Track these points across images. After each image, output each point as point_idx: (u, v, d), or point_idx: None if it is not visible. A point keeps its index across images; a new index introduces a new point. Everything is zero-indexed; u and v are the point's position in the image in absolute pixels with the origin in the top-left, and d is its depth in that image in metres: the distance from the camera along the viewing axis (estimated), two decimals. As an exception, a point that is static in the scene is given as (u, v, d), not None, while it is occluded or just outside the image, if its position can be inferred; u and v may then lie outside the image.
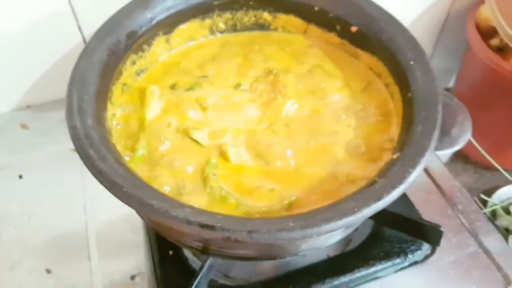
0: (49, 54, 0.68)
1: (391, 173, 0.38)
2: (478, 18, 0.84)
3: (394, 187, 0.36)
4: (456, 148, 0.87)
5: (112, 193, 0.36)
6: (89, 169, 0.37)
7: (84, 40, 0.67)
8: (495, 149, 0.90)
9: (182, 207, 0.35)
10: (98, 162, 0.37)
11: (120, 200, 0.35)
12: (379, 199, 0.35)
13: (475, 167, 0.98)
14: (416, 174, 0.37)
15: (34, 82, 0.70)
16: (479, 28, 0.83)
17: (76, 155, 0.63)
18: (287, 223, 0.34)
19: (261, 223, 0.35)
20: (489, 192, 0.92)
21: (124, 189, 0.35)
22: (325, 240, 0.43)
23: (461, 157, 0.98)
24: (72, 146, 0.64)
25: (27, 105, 0.72)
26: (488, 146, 0.90)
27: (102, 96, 0.45)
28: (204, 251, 0.43)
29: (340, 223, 0.34)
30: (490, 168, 0.92)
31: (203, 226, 0.34)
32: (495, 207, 0.89)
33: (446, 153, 0.89)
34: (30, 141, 0.67)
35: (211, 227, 0.34)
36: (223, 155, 0.46)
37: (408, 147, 0.40)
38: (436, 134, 0.40)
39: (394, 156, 0.40)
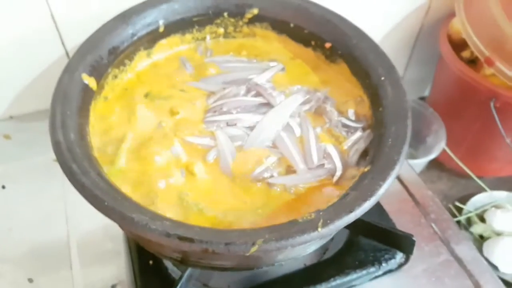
0: (32, 66, 0.68)
1: (362, 186, 0.40)
2: (450, 31, 0.87)
3: (365, 200, 0.38)
4: (431, 156, 0.90)
5: (94, 207, 0.37)
6: (71, 183, 0.38)
7: (67, 53, 0.68)
8: (468, 158, 0.94)
9: (161, 219, 0.37)
10: (80, 177, 0.38)
11: (102, 214, 0.37)
12: (350, 211, 0.37)
13: (450, 174, 1.02)
14: (386, 187, 0.39)
15: (17, 93, 0.71)
16: (451, 40, 0.87)
17: (59, 166, 0.65)
18: (263, 234, 0.36)
19: (237, 235, 0.36)
20: (464, 200, 0.95)
21: (106, 203, 0.36)
22: (300, 251, 0.45)
23: (436, 165, 1.02)
24: (54, 156, 0.66)
25: (10, 115, 0.73)
26: (462, 154, 0.93)
27: (85, 110, 0.46)
28: (183, 262, 0.44)
29: (314, 234, 0.36)
30: (464, 176, 0.96)
31: (181, 238, 0.35)
32: (469, 214, 0.92)
33: (421, 162, 0.93)
34: (13, 151, 0.68)
35: (190, 240, 0.35)
36: (190, 169, 0.47)
37: (378, 161, 0.42)
38: (405, 148, 0.42)
39: (366, 169, 0.42)
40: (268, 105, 0.52)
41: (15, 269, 0.55)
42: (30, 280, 0.54)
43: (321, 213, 0.38)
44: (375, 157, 0.43)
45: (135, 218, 0.36)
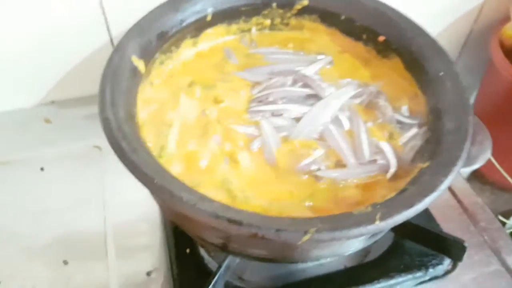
0: (76, 51, 0.68)
1: (422, 181, 0.38)
2: (503, 36, 0.84)
3: (426, 195, 0.36)
4: (476, 166, 0.86)
5: (143, 184, 0.36)
6: (121, 160, 0.37)
7: (111, 39, 0.68)
8: (515, 170, 0.89)
9: (210, 201, 0.35)
10: (130, 154, 0.37)
11: (150, 192, 0.36)
12: (411, 206, 0.35)
13: (493, 187, 0.97)
14: (448, 183, 0.37)
15: (59, 78, 0.71)
16: (502, 46, 0.83)
17: (98, 152, 0.65)
18: (315, 223, 0.34)
19: (289, 222, 0.35)
20: (507, 214, 0.90)
21: (155, 181, 0.35)
22: (348, 247, 0.43)
23: (478, 177, 0.97)
24: (94, 142, 0.66)
25: (51, 100, 0.73)
26: (508, 166, 0.89)
27: (133, 93, 0.46)
28: (224, 248, 0.42)
29: (371, 227, 0.34)
30: (508, 189, 0.91)
31: (231, 221, 0.34)
32: (513, 229, 0.88)
33: (464, 171, 0.88)
34: (53, 136, 0.68)
35: (239, 223, 0.34)
36: (234, 157, 0.46)
37: (439, 157, 0.40)
38: (467, 144, 0.40)
39: (424, 166, 0.40)
40: (316, 97, 0.51)
41: (51, 250, 0.54)
42: (65, 262, 0.53)
43: (378, 207, 0.36)
44: (434, 153, 0.41)
45: (184, 198, 0.35)
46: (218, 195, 0.41)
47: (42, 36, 0.65)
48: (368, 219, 0.34)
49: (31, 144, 0.67)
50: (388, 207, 0.36)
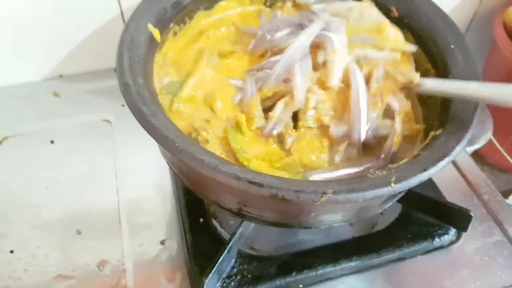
0: (85, 25, 0.68)
1: (435, 147, 0.39)
2: (506, 19, 0.85)
3: (439, 160, 0.37)
4: (478, 145, 0.88)
5: (165, 148, 0.36)
6: (142, 124, 0.37)
7: (122, 13, 0.68)
8: (514, 151, 0.91)
9: (230, 164, 0.36)
10: (151, 118, 0.37)
11: (172, 154, 0.36)
12: (424, 170, 0.36)
13: (491, 168, 0.99)
14: (460, 148, 0.38)
15: (67, 52, 0.71)
16: (506, 29, 0.84)
17: (107, 125, 0.66)
18: (332, 186, 0.35)
19: (307, 184, 0.36)
20: (505, 194, 0.92)
21: (177, 144, 0.36)
22: (361, 212, 0.44)
23: (478, 158, 0.99)
24: (103, 116, 0.67)
25: (59, 74, 0.73)
26: (507, 147, 0.90)
27: (150, 60, 0.46)
28: (239, 213, 0.43)
29: (386, 190, 0.35)
30: (507, 169, 0.93)
31: (251, 182, 0.35)
32: None
33: (467, 150, 0.90)
34: (62, 109, 0.68)
35: (260, 184, 0.35)
36: (238, 125, 0.46)
37: (450, 124, 0.41)
38: (478, 111, 0.41)
39: (437, 133, 0.41)
40: None
41: (64, 220, 0.55)
42: (78, 232, 0.54)
43: (393, 171, 0.37)
44: (446, 121, 0.42)
45: (205, 160, 0.35)
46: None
47: (51, 8, 0.64)
48: (383, 182, 0.36)
49: (40, 117, 0.67)
50: (403, 171, 0.37)
